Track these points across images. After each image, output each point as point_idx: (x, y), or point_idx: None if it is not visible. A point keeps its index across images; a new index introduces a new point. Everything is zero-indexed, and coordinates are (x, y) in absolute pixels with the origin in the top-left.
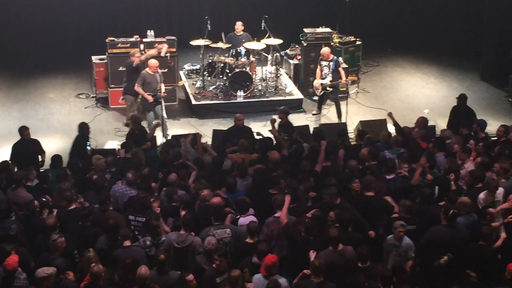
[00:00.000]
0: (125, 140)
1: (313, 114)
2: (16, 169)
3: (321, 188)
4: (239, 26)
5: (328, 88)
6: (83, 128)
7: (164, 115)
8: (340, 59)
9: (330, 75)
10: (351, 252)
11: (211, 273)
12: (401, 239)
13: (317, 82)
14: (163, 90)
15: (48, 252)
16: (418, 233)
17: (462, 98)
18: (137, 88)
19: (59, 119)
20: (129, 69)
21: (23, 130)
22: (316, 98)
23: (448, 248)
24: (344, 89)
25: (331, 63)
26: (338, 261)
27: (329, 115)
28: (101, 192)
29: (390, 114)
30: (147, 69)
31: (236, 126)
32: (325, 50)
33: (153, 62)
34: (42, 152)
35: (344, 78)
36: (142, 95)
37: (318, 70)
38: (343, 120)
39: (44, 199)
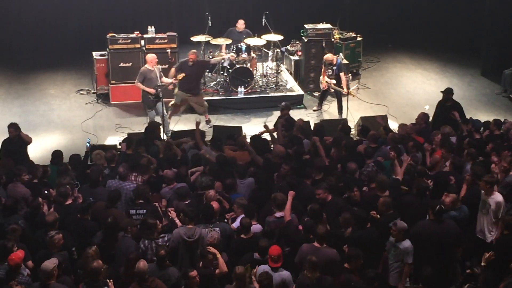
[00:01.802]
0: (126, 137)
1: (314, 110)
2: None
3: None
4: (241, 24)
5: (330, 89)
6: (152, 132)
7: (165, 112)
8: (341, 55)
9: (333, 77)
10: (333, 255)
11: (204, 272)
12: (400, 241)
13: (323, 80)
14: (169, 81)
15: (47, 249)
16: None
17: (448, 92)
18: (137, 84)
19: (60, 115)
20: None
21: (8, 128)
22: (317, 94)
23: (435, 242)
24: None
25: (334, 67)
26: (318, 259)
27: (330, 111)
28: (95, 184)
29: (379, 119)
30: (146, 65)
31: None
32: (328, 56)
33: (151, 56)
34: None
35: (345, 88)
36: (145, 90)
37: (323, 71)
38: (343, 116)
39: (46, 192)
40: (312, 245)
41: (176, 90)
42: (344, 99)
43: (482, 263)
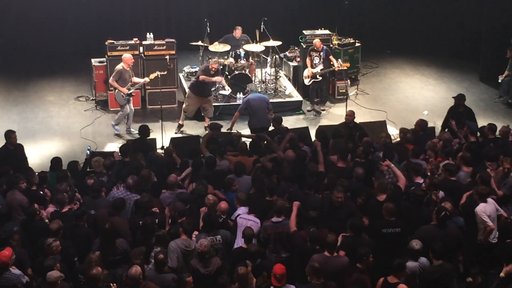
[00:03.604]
0: (124, 144)
1: (308, 111)
2: None
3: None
4: (238, 31)
5: (318, 77)
6: (143, 132)
7: (132, 108)
8: (339, 61)
9: (321, 64)
10: (345, 262)
11: None
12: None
13: (308, 71)
14: (140, 80)
15: (43, 256)
16: (406, 234)
17: (460, 98)
18: (112, 82)
19: (59, 122)
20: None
21: (10, 134)
22: (316, 99)
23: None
24: (344, 89)
25: (321, 53)
26: (331, 268)
27: (329, 116)
28: (97, 197)
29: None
30: (122, 64)
31: (346, 122)
32: (316, 40)
33: (128, 56)
34: (25, 159)
35: (336, 64)
36: (119, 89)
37: (308, 60)
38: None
39: (42, 192)
40: (323, 254)
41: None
42: (342, 105)
43: (502, 274)
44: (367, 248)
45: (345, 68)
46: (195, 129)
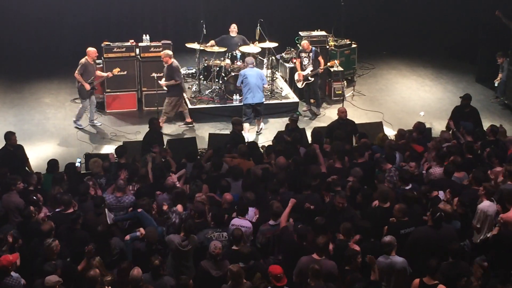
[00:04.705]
0: (120, 146)
1: (304, 111)
2: None
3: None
4: (233, 28)
5: (310, 78)
6: (153, 123)
7: (94, 100)
8: (336, 62)
9: (311, 66)
10: (333, 265)
11: None
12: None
13: (298, 74)
14: (104, 74)
15: (42, 257)
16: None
17: (466, 98)
18: (77, 76)
19: (55, 123)
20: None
21: (10, 136)
22: (312, 101)
23: (433, 248)
24: (341, 91)
25: (310, 54)
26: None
27: (326, 117)
28: (84, 200)
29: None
30: (86, 58)
31: (340, 119)
32: (305, 42)
33: (93, 50)
34: (26, 159)
35: (322, 65)
36: (82, 84)
37: (297, 62)
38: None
39: (34, 197)
40: (311, 257)
41: None
42: (339, 105)
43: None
44: (354, 250)
45: (332, 66)
46: (191, 131)
